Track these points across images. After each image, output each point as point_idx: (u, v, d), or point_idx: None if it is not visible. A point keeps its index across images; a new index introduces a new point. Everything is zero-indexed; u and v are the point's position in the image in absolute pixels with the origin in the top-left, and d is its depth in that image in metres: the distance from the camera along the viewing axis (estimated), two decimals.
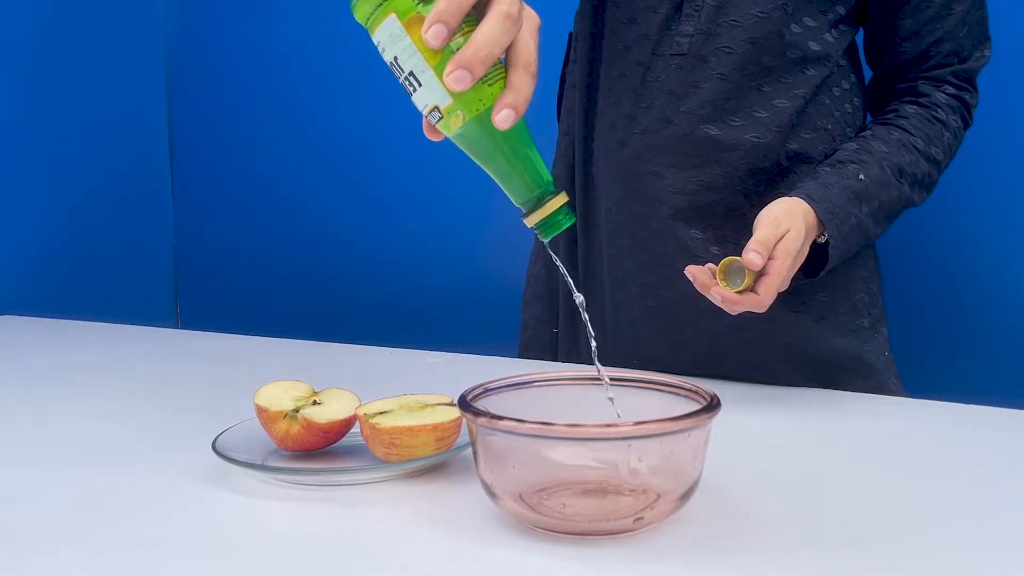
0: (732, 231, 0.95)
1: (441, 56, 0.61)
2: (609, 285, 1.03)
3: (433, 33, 0.59)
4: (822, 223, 0.89)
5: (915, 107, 0.99)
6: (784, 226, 0.86)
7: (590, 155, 1.04)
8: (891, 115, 0.99)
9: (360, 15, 0.64)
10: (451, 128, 0.63)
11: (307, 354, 1.17)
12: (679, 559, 0.54)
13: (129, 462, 0.74)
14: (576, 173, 1.06)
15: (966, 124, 1.02)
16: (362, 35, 1.72)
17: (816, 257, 0.92)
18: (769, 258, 0.84)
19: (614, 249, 1.01)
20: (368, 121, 1.72)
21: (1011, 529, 0.59)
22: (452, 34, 0.60)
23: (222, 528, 0.61)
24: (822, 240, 0.90)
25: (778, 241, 0.85)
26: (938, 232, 1.31)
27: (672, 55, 0.95)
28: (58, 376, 1.06)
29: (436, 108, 0.63)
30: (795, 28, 0.93)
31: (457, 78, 0.59)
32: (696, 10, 0.94)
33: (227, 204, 1.90)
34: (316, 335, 1.26)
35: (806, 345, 0.97)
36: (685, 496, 0.57)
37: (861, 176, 0.92)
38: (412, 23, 0.61)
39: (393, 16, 0.62)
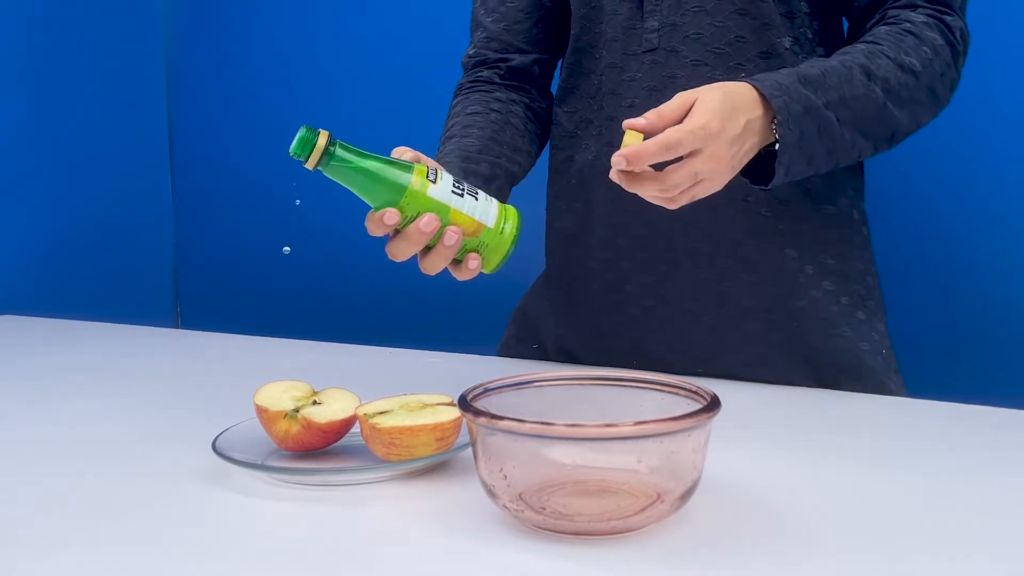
0: (732, 217, 0.95)
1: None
2: (603, 290, 1.03)
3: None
4: (774, 119, 0.80)
5: (884, 27, 0.92)
6: (705, 113, 0.76)
7: (569, 163, 1.04)
8: (858, 39, 0.93)
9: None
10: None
11: (307, 354, 1.17)
12: (679, 559, 0.54)
13: (129, 462, 0.74)
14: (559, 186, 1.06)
15: (952, 46, 0.91)
16: (361, 34, 1.72)
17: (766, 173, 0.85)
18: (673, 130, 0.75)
19: (610, 252, 1.01)
20: (368, 120, 1.72)
21: (1012, 529, 0.59)
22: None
23: (222, 528, 0.61)
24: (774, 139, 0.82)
25: (685, 116, 0.76)
26: (938, 231, 1.31)
27: (644, 52, 0.96)
28: (58, 376, 1.06)
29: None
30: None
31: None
32: (657, 5, 0.95)
33: (227, 204, 1.90)
34: (316, 335, 1.26)
35: (805, 337, 0.97)
36: (685, 496, 0.57)
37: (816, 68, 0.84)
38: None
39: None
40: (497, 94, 1.05)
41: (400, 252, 0.78)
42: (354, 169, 0.75)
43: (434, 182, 0.77)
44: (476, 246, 0.79)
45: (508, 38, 1.07)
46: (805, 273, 0.95)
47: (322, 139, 0.74)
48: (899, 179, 1.31)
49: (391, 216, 0.75)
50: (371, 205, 0.77)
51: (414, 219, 0.76)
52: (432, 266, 0.79)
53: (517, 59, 1.07)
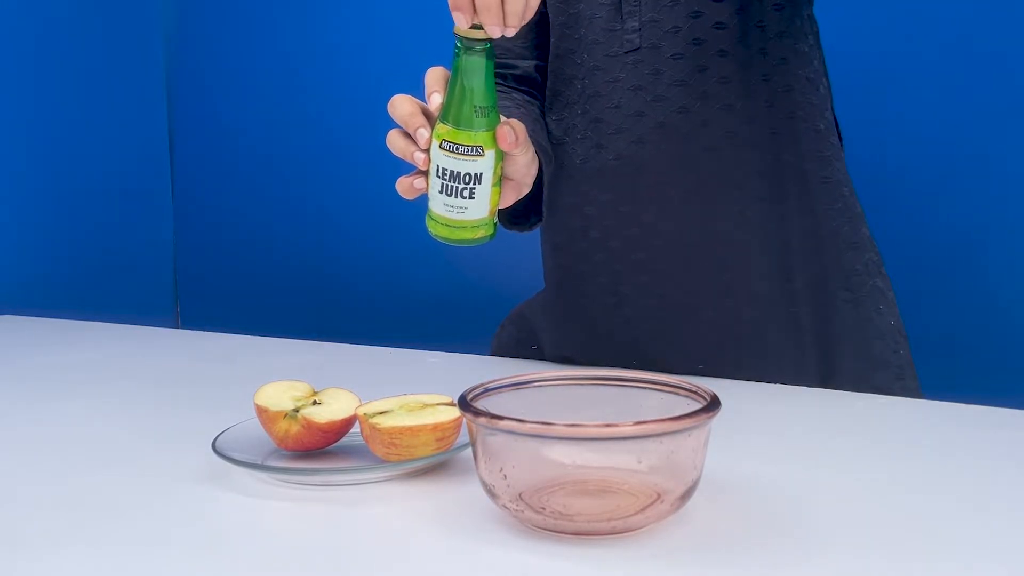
0: (724, 216, 0.95)
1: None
2: (600, 293, 1.02)
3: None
4: None
5: None
6: None
7: (559, 170, 1.04)
8: None
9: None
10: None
11: (307, 354, 1.17)
12: (679, 559, 0.54)
13: (129, 462, 0.74)
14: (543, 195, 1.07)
15: None
16: (361, 35, 1.72)
17: None
18: None
19: (604, 254, 1.01)
20: (369, 120, 1.72)
21: (1011, 529, 0.59)
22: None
23: (222, 528, 0.61)
24: None
25: None
26: (942, 232, 1.30)
27: (626, 53, 0.96)
28: (58, 376, 1.06)
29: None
30: None
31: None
32: (635, 5, 0.95)
33: (227, 204, 1.90)
34: (316, 335, 1.26)
35: (807, 318, 0.97)
36: (685, 496, 0.57)
37: None
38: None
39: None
40: (514, 95, 1.05)
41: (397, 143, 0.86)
42: (479, 76, 0.76)
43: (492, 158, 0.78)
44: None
45: (508, 43, 1.07)
46: (804, 254, 0.95)
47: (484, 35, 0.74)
48: (903, 178, 1.31)
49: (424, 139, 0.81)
50: (444, 110, 0.78)
51: (456, 149, 0.78)
52: (394, 142, 0.87)
53: (521, 66, 1.08)
